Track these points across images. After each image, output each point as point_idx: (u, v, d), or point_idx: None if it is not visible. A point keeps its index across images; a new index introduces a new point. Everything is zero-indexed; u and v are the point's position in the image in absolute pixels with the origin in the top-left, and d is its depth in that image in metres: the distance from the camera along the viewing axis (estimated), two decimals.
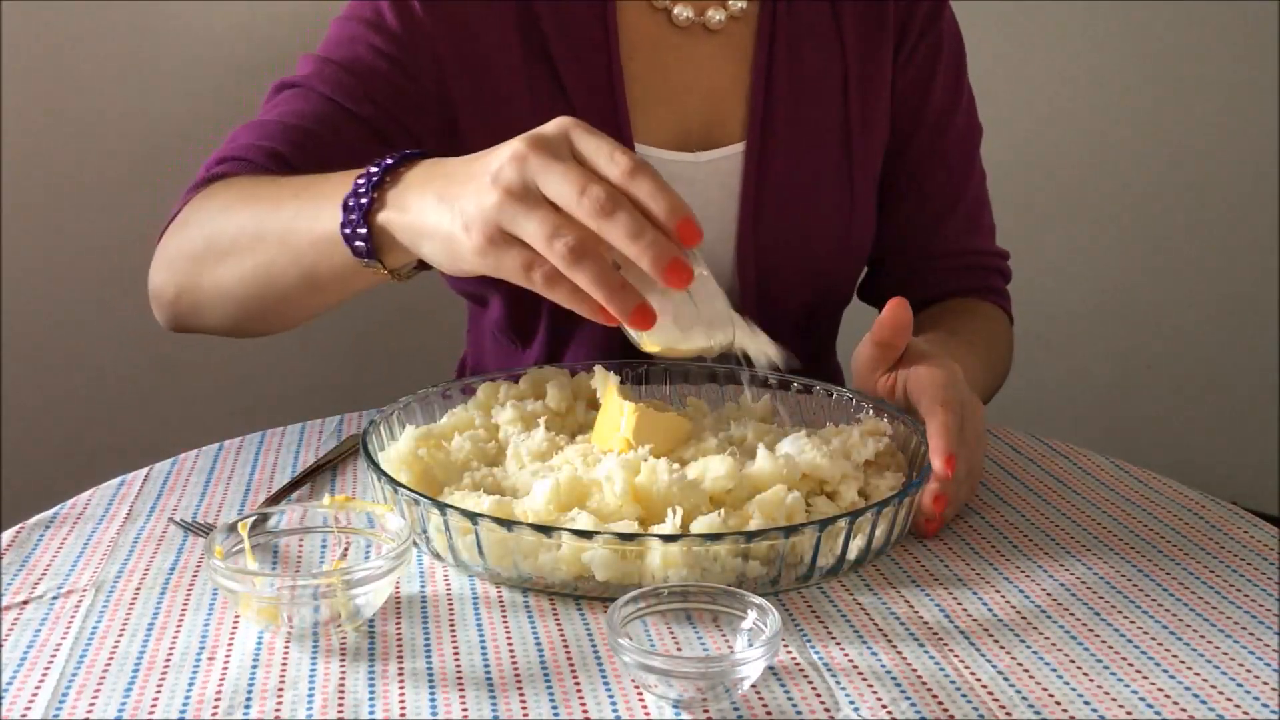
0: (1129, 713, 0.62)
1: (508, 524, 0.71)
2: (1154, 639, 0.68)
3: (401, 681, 0.64)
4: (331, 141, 1.00)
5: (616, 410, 0.84)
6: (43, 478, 1.72)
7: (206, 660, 0.66)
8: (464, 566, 0.75)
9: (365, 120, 1.02)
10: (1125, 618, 0.71)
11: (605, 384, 0.87)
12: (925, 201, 1.18)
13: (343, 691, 0.63)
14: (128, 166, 1.84)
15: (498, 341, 1.19)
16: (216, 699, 0.62)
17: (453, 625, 0.70)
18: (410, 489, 0.75)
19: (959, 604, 0.72)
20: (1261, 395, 2.33)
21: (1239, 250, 2.30)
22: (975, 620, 0.70)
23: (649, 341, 0.76)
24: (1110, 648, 0.68)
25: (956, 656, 0.66)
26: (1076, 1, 2.19)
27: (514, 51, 1.06)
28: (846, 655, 0.66)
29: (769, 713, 0.61)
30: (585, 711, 0.61)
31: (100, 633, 0.69)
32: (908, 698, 0.63)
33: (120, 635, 0.68)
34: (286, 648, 0.67)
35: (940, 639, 0.68)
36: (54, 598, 0.73)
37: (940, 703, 0.62)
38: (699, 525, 0.72)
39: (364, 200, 0.79)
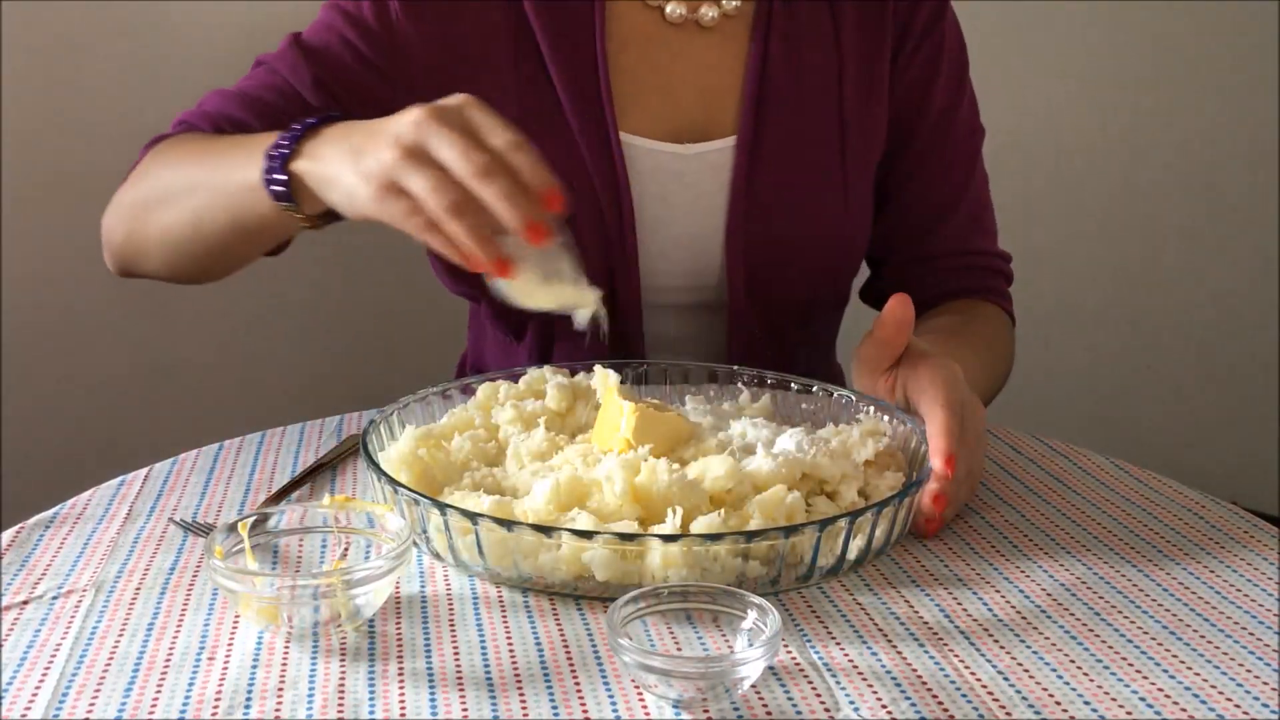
0: (1129, 713, 0.62)
1: (508, 524, 0.71)
2: (1154, 639, 0.68)
3: (401, 681, 0.64)
4: (286, 118, 1.03)
5: (616, 410, 0.84)
6: (43, 478, 1.72)
7: (206, 660, 0.66)
8: (464, 566, 0.75)
9: (315, 109, 1.05)
10: (1125, 618, 0.71)
11: (605, 384, 0.87)
12: (927, 202, 1.18)
13: (343, 691, 0.63)
14: (128, 166, 1.84)
15: (495, 335, 1.20)
16: (216, 699, 0.62)
17: (453, 625, 0.70)
18: (410, 489, 0.75)
19: (959, 604, 0.72)
20: (1261, 395, 2.33)
21: (1239, 250, 2.30)
22: (975, 620, 0.70)
23: (511, 292, 0.83)
24: (1110, 648, 0.68)
25: (956, 656, 0.66)
26: (1077, 2, 2.19)
27: (503, 46, 1.08)
28: (846, 655, 0.66)
29: (769, 713, 0.61)
30: (585, 711, 0.61)
31: (100, 633, 0.69)
32: (908, 698, 0.63)
33: (120, 635, 0.68)
34: (286, 648, 0.67)
35: (940, 639, 0.68)
36: (54, 598, 0.73)
37: (940, 703, 0.62)
38: (699, 525, 0.72)
39: (284, 150, 0.88)
